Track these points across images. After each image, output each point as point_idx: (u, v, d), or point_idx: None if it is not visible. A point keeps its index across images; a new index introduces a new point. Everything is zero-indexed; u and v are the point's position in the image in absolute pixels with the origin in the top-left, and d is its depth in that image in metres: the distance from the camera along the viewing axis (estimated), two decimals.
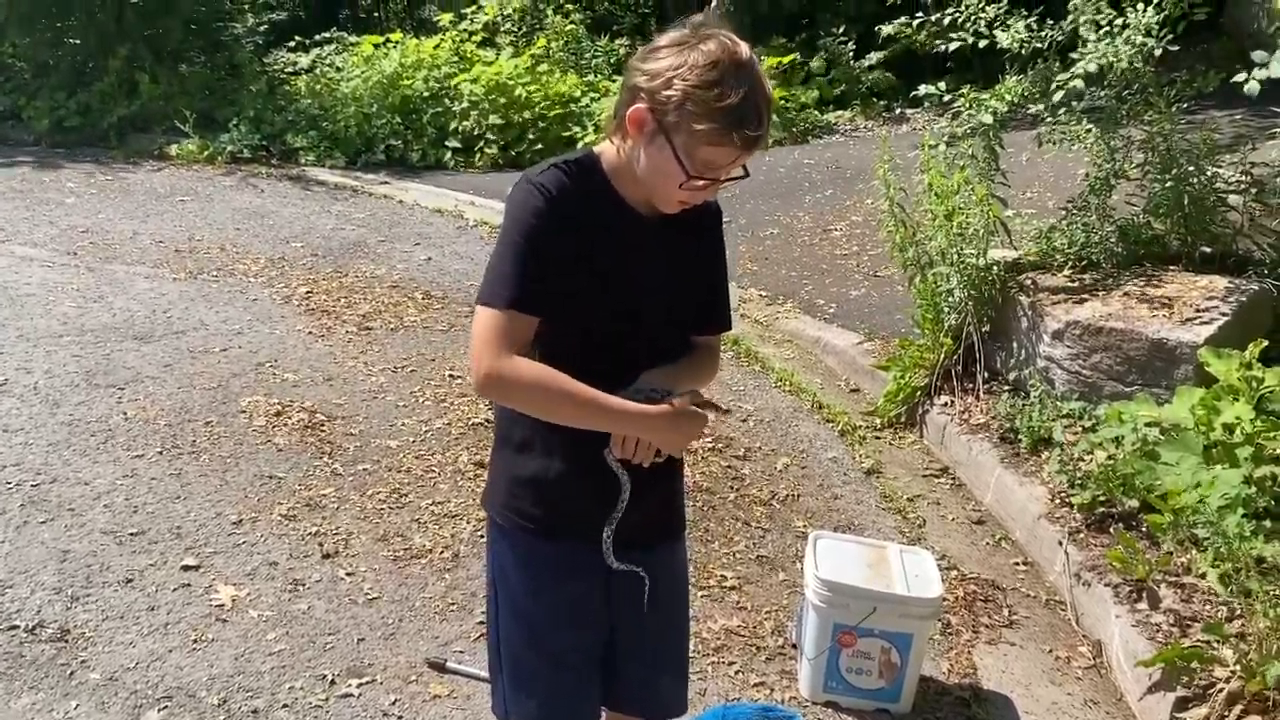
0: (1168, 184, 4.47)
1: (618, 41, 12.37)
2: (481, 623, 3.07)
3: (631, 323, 1.75)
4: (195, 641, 2.90)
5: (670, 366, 1.80)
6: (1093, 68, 4.35)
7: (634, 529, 1.81)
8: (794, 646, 3.05)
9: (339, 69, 11.30)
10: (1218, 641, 2.87)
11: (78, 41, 11.04)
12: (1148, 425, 3.66)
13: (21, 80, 11.34)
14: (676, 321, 1.84)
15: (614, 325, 1.74)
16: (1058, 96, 4.45)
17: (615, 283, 1.73)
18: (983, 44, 4.80)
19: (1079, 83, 4.40)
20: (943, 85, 5.00)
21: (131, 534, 3.40)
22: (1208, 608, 3.06)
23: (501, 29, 11.86)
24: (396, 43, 11.03)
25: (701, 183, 1.63)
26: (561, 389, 1.65)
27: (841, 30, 11.30)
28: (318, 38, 11.98)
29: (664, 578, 1.93)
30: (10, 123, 10.83)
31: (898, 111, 10.97)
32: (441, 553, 3.46)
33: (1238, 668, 2.72)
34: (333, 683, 2.79)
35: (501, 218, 1.74)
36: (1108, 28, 4.43)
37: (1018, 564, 3.69)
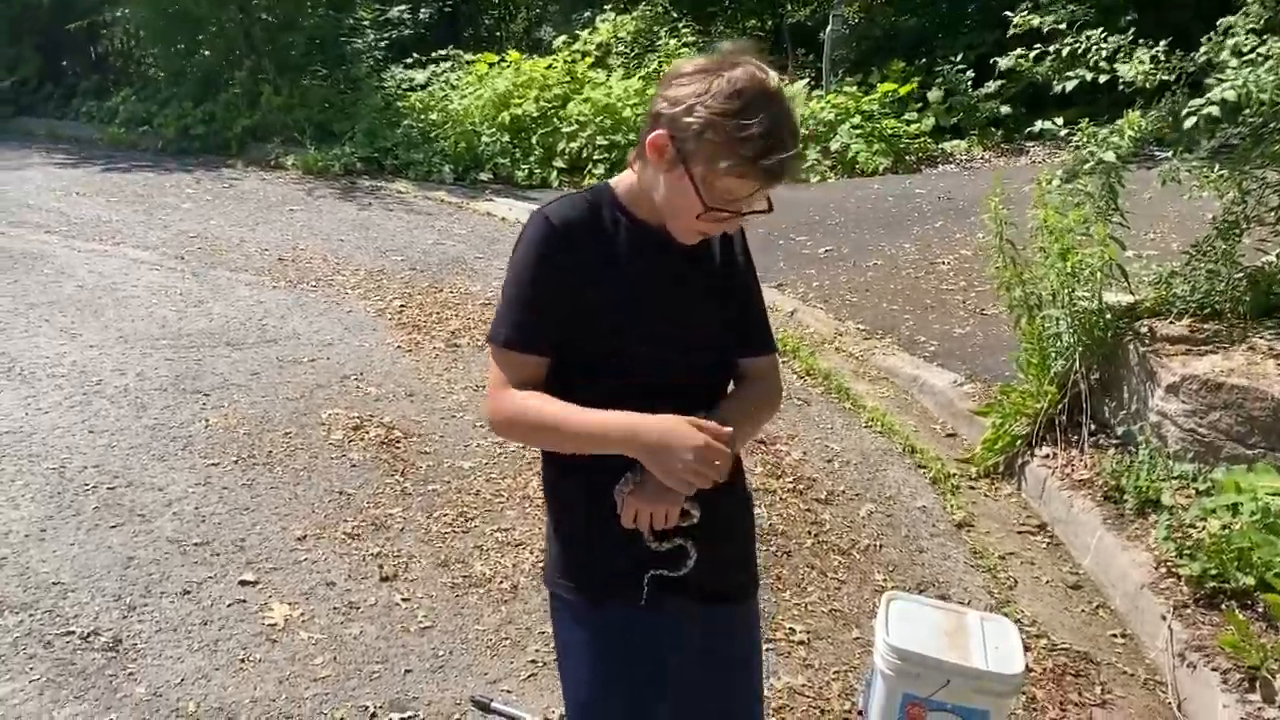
0: None
1: None
2: (533, 661, 2.96)
3: (666, 351, 1.64)
4: (243, 661, 2.86)
5: (732, 402, 1.71)
6: (1231, 95, 4.01)
7: (705, 579, 1.70)
8: (860, 714, 2.85)
9: (453, 86, 11.47)
10: None
11: (208, 54, 11.49)
12: (1271, 495, 3.34)
13: (154, 89, 11.87)
14: (714, 348, 1.73)
15: (649, 354, 1.63)
16: (1189, 123, 4.12)
17: (636, 309, 1.63)
18: (1103, 79, 4.50)
19: (1214, 109, 4.05)
20: (1060, 121, 4.73)
21: (196, 544, 3.40)
22: None
23: (614, 50, 11.85)
24: (512, 63, 11.14)
25: (721, 214, 1.54)
26: (539, 413, 1.58)
27: (959, 57, 10.95)
28: (435, 55, 12.19)
29: (726, 645, 1.81)
30: (142, 129, 11.32)
31: (1017, 143, 10.57)
32: (500, 583, 3.36)
33: None
34: (374, 715, 2.71)
35: None
36: (1250, 55, 4.10)
37: (1115, 636, 3.40)
